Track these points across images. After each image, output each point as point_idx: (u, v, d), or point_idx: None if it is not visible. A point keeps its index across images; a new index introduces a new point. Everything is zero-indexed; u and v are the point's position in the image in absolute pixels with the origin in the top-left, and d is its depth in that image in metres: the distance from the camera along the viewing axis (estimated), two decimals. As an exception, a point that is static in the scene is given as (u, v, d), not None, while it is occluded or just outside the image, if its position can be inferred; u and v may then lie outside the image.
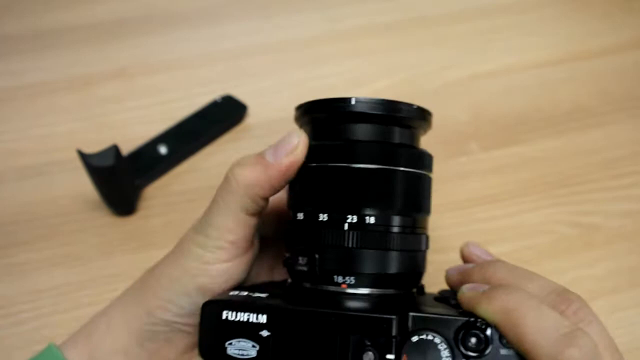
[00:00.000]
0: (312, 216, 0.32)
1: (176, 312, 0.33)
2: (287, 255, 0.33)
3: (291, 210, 0.34)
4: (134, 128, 0.57)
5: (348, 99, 0.32)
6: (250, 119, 0.59)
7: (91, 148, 0.47)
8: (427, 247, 0.34)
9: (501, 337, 0.28)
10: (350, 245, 0.31)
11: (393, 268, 0.31)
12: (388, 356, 0.28)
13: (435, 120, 0.36)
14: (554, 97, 0.60)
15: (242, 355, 0.30)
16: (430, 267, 0.35)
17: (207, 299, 0.33)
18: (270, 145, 0.32)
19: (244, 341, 0.30)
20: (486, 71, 0.62)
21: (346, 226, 0.31)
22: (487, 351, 0.28)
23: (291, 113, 0.62)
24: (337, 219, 0.31)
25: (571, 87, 0.61)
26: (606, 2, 0.70)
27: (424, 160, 0.33)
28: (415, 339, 0.28)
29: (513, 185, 0.53)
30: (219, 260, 0.32)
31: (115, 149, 0.46)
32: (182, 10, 0.70)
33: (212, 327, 0.30)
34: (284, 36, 0.67)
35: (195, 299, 0.33)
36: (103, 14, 0.69)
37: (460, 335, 0.28)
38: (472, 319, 0.28)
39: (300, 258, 0.32)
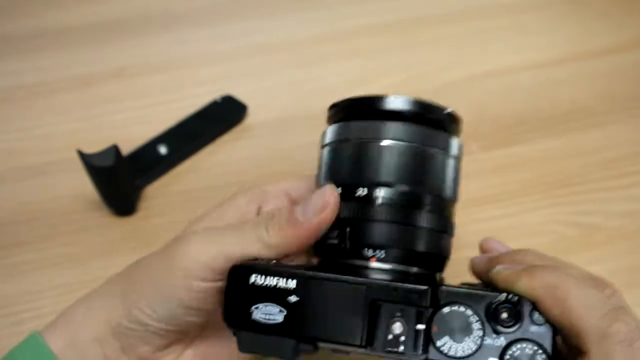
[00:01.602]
0: (348, 191, 0.32)
1: (151, 315, 0.32)
2: None
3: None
4: (134, 128, 0.57)
5: (385, 97, 0.32)
6: (250, 119, 0.59)
7: (91, 148, 0.47)
8: (453, 233, 0.34)
9: (532, 313, 0.28)
10: (382, 219, 0.31)
11: (422, 246, 0.32)
12: (418, 326, 0.28)
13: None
14: (554, 97, 0.60)
15: (269, 319, 0.29)
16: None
17: (181, 310, 0.32)
18: (302, 201, 0.32)
19: (271, 305, 0.29)
20: (486, 71, 0.63)
21: (379, 200, 0.31)
22: (518, 326, 0.28)
23: (291, 113, 0.62)
24: (371, 193, 0.31)
25: (571, 87, 0.61)
26: (606, 2, 0.70)
27: (457, 146, 0.34)
28: (446, 310, 0.28)
29: (513, 185, 0.53)
30: (204, 279, 0.32)
31: (115, 149, 0.46)
32: (182, 10, 0.70)
33: (238, 291, 0.30)
34: (284, 36, 0.67)
35: (170, 310, 0.32)
36: (103, 14, 0.69)
37: (492, 309, 0.28)
38: (504, 294, 0.28)
39: (330, 232, 0.32)
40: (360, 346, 0.28)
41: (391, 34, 0.67)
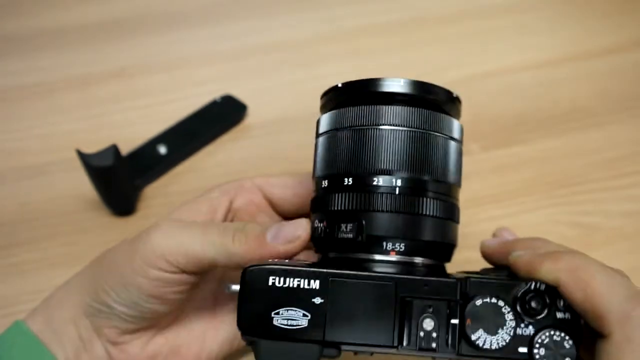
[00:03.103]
0: (360, 181, 0.30)
1: (114, 299, 0.33)
2: (322, 225, 0.31)
3: (330, 177, 0.32)
4: (134, 128, 0.57)
5: (382, 80, 0.31)
6: (250, 119, 0.59)
7: (91, 148, 0.47)
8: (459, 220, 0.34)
9: (558, 301, 0.28)
10: (403, 210, 0.30)
11: (437, 236, 0.31)
12: (452, 321, 0.27)
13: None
14: (553, 97, 0.60)
15: (292, 325, 0.27)
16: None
17: (141, 297, 0.32)
18: (277, 225, 0.32)
19: (294, 310, 0.27)
20: (486, 71, 0.62)
21: (397, 191, 0.30)
22: (545, 314, 0.28)
23: (291, 113, 0.62)
24: (389, 183, 0.30)
25: (571, 87, 0.61)
26: (606, 2, 0.70)
27: (459, 129, 0.34)
28: (479, 302, 0.27)
29: (513, 185, 0.53)
30: (160, 269, 0.32)
31: (114, 149, 0.46)
32: (182, 10, 0.70)
33: (255, 296, 0.28)
34: (284, 36, 0.67)
35: (131, 294, 0.33)
36: (103, 14, 0.69)
37: (519, 298, 0.28)
38: (531, 283, 0.28)
39: (343, 225, 0.30)
40: (391, 346, 0.27)
41: (391, 34, 0.67)
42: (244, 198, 0.40)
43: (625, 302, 0.26)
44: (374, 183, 0.30)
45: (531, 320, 0.28)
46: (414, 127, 0.31)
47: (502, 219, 0.51)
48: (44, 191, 0.52)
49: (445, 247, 0.32)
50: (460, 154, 0.33)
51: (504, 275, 0.31)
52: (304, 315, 0.27)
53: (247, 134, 0.57)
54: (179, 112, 0.57)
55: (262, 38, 0.66)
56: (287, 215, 0.41)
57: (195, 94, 0.59)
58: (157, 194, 0.52)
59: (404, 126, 0.30)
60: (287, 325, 0.27)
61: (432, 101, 0.32)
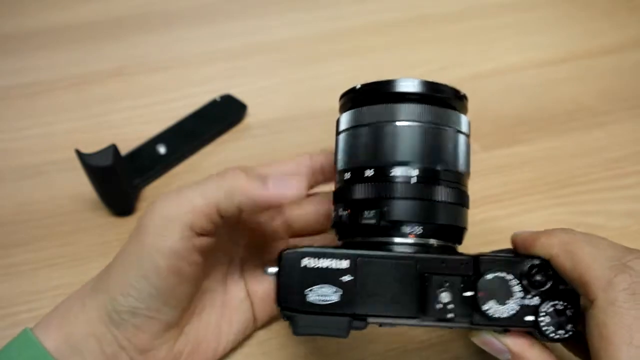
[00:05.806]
0: (380, 172, 0.33)
1: (137, 296, 0.32)
2: (346, 212, 0.34)
3: (352, 169, 0.34)
4: (133, 128, 0.56)
5: (394, 82, 0.34)
6: (250, 118, 0.58)
7: (90, 148, 0.47)
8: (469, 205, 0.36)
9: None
10: (419, 197, 0.33)
11: (450, 220, 0.33)
12: (466, 293, 0.31)
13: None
14: (555, 97, 0.60)
15: (324, 300, 0.31)
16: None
17: (162, 281, 0.32)
18: (278, 174, 0.34)
19: (326, 287, 0.31)
20: (487, 71, 0.62)
21: (414, 180, 0.33)
22: (549, 286, 0.31)
23: (291, 113, 0.62)
24: (406, 173, 0.33)
25: (572, 86, 0.61)
26: (607, 1, 0.70)
27: (467, 123, 0.36)
28: (489, 276, 0.31)
29: (514, 185, 0.52)
30: (173, 233, 0.32)
31: (113, 149, 0.46)
32: (181, 10, 0.70)
33: (291, 276, 0.31)
34: (284, 36, 0.67)
35: (152, 280, 0.32)
36: (102, 13, 0.69)
37: (526, 272, 0.31)
38: (536, 260, 0.31)
39: (366, 212, 0.33)
40: (413, 317, 0.31)
41: (391, 33, 0.67)
42: None
43: (607, 270, 0.29)
44: (393, 173, 0.33)
45: (536, 292, 0.31)
46: (426, 122, 0.33)
47: (504, 219, 0.50)
48: (43, 191, 0.52)
49: (456, 230, 0.34)
50: (468, 145, 0.36)
51: (512, 254, 0.33)
52: (336, 291, 0.31)
53: (247, 134, 0.57)
54: (179, 112, 0.57)
55: (262, 37, 0.66)
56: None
57: (195, 94, 0.59)
58: (156, 194, 0.52)
59: (417, 121, 0.33)
60: (320, 300, 0.31)
61: (441, 99, 0.34)
